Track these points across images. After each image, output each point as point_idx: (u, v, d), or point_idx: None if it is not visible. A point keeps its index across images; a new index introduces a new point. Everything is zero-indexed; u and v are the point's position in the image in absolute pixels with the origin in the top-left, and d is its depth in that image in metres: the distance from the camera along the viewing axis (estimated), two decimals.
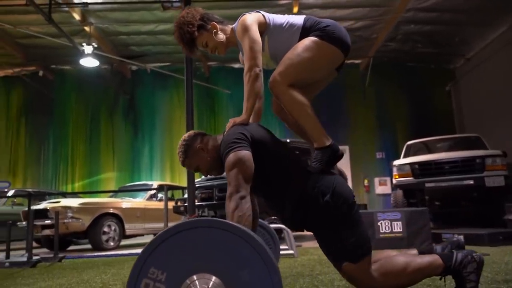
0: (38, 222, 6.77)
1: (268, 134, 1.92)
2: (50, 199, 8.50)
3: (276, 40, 2.04)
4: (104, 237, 7.11)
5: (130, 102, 13.05)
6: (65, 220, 6.75)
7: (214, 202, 6.27)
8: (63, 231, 6.68)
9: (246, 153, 1.70)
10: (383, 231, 4.87)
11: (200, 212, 6.18)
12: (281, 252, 3.86)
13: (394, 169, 7.56)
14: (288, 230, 4.21)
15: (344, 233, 1.72)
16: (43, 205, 7.28)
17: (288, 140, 7.30)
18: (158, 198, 8.38)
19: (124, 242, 8.41)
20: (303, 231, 1.93)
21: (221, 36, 2.08)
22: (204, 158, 1.93)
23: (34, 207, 6.78)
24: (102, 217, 7.14)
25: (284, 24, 2.04)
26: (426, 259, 1.79)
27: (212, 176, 6.86)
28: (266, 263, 1.09)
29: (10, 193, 8.87)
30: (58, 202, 7.28)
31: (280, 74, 1.94)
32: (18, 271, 4.34)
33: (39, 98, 12.92)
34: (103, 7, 9.50)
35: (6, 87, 13.18)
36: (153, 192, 8.31)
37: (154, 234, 3.09)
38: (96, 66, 11.20)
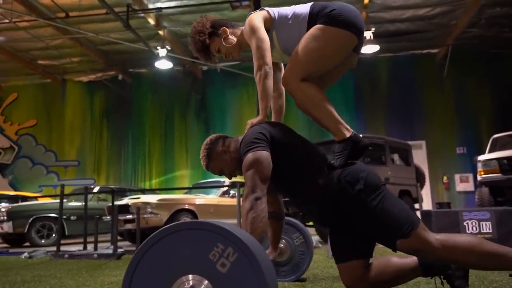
0: (121, 217, 7.20)
1: (288, 133, 1.90)
2: (131, 195, 9.02)
3: (285, 33, 2.00)
4: None
5: (202, 102, 13.46)
6: (145, 215, 7.11)
7: (286, 199, 6.24)
8: (143, 225, 7.03)
9: (263, 153, 1.69)
10: (469, 232, 4.51)
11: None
12: None
13: (479, 165, 7.02)
14: None
15: (386, 214, 1.67)
16: (125, 201, 7.74)
17: (361, 136, 7.06)
18: (231, 194, 8.53)
19: None
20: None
21: (231, 40, 2.08)
22: (227, 160, 1.92)
23: (117, 202, 7.22)
24: (178, 212, 7.43)
25: (290, 16, 1.99)
26: (503, 248, 1.63)
27: None
28: (252, 263, 1.08)
29: (96, 189, 9.55)
30: (138, 198, 7.69)
31: (289, 71, 1.93)
32: (105, 262, 4.63)
33: (119, 101, 13.80)
34: (175, 11, 9.87)
35: (90, 92, 14.24)
36: (225, 189, 8.48)
37: None
38: (170, 68, 11.70)
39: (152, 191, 10.74)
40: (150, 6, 9.66)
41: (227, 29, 2.09)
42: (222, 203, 8.21)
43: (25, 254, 5.64)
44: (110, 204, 7.22)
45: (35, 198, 9.92)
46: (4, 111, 14.70)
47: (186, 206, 7.58)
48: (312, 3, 2.01)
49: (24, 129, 14.47)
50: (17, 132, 14.51)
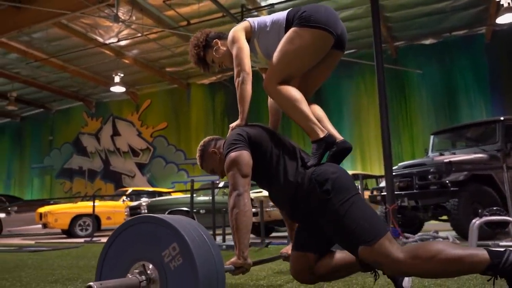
0: None
1: (266, 133, 1.98)
2: (252, 189, 9.31)
3: (265, 41, 2.10)
4: None
5: (317, 94, 13.10)
6: (267, 209, 7.26)
7: (414, 191, 5.78)
8: (266, 219, 7.19)
9: (242, 153, 1.81)
10: None
11: (399, 201, 5.77)
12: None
13: None
14: None
15: (349, 219, 1.66)
16: None
17: (502, 118, 6.20)
18: None
19: None
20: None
21: (221, 50, 2.21)
22: (216, 160, 2.06)
23: None
24: None
25: (268, 23, 2.08)
26: (467, 251, 1.55)
27: (410, 163, 6.36)
28: (185, 252, 1.24)
29: (221, 184, 10.09)
30: (261, 192, 7.89)
31: (267, 75, 2.03)
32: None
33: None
34: (287, 5, 9.86)
35: (211, 93, 15.15)
36: None
37: None
38: None
39: None
40: (263, 3, 9.83)
41: (218, 41, 2.23)
42: None
43: None
44: None
45: (169, 193, 10.89)
46: (141, 116, 16.49)
47: None
48: (289, 9, 2.08)
49: (157, 131, 16.06)
50: (152, 135, 16.16)
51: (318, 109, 2.15)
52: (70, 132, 17.90)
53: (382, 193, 6.13)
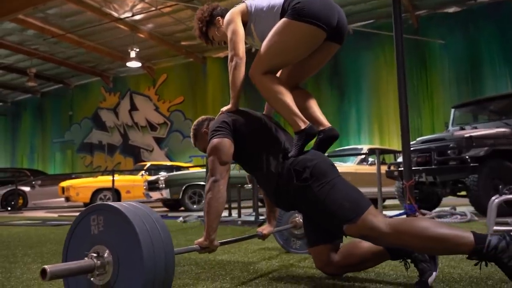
0: None
1: (252, 121, 1.98)
2: None
3: (261, 25, 2.05)
4: None
5: (335, 66, 13.02)
6: None
7: (433, 166, 5.67)
8: None
9: (223, 140, 1.84)
10: None
11: (416, 177, 5.68)
12: None
13: None
14: None
15: (330, 201, 1.71)
16: None
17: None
18: (369, 162, 8.17)
19: None
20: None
21: (222, 30, 2.17)
22: (207, 141, 2.03)
23: None
24: None
25: (265, 8, 2.03)
26: (453, 231, 1.57)
27: (429, 138, 6.23)
28: (133, 236, 1.30)
29: None
30: None
31: (254, 64, 2.02)
32: (248, 229, 4.86)
33: None
34: None
35: (226, 67, 14.98)
36: (363, 156, 8.14)
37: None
38: None
39: None
40: None
41: (220, 19, 2.18)
42: (360, 171, 7.91)
43: (180, 218, 6.29)
44: None
45: (187, 167, 11.01)
46: (158, 91, 16.53)
47: None
48: None
49: (174, 105, 16.11)
50: (169, 109, 16.23)
51: (307, 96, 2.16)
52: (89, 107, 18.12)
53: (400, 169, 6.05)
